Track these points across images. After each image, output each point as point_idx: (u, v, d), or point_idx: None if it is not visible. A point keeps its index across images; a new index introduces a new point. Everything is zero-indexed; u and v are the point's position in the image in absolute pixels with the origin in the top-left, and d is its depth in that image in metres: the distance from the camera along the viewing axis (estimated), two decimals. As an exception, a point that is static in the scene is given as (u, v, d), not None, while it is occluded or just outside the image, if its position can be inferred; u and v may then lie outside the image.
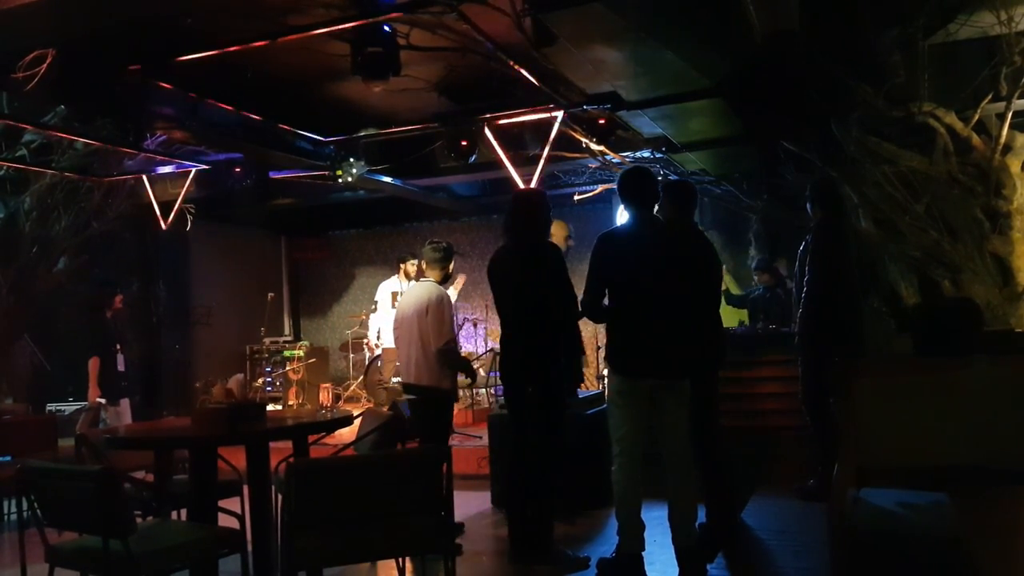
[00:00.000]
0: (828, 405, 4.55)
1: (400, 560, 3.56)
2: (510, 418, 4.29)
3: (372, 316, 9.02)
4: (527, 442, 4.15)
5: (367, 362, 9.27)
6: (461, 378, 4.83)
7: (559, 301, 4.07)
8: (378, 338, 8.77)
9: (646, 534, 3.71)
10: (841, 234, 4.98)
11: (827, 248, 4.89)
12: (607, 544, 4.43)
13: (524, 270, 4.11)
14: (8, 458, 5.70)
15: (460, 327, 9.70)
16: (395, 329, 4.95)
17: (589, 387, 9.33)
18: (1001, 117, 5.17)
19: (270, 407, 5.83)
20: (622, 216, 9.27)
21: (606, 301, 3.77)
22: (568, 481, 5.06)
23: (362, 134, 7.33)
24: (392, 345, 8.42)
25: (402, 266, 8.58)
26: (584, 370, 9.10)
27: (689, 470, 3.71)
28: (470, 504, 5.35)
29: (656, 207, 3.90)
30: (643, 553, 3.68)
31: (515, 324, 4.18)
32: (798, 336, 4.99)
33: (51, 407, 7.93)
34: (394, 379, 8.49)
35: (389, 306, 8.48)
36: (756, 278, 7.57)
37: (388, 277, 8.89)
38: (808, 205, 5.06)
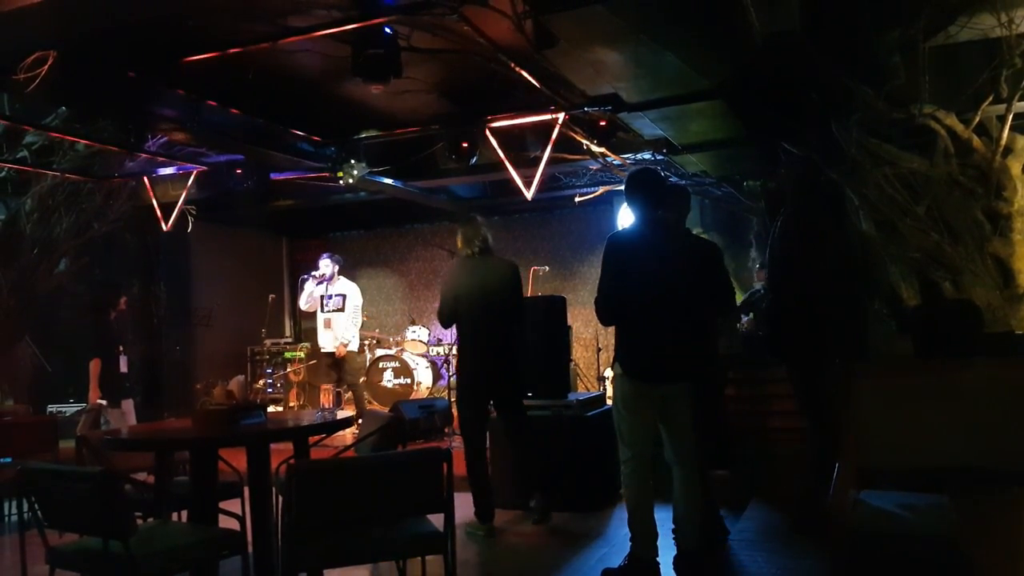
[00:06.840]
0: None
1: (401, 562, 3.55)
2: (470, 416, 4.85)
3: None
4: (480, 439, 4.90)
5: (367, 364, 9.27)
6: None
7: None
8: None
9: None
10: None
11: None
12: (610, 542, 4.44)
13: (494, 280, 4.72)
14: (9, 459, 5.71)
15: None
16: None
17: (590, 388, 9.34)
18: (1001, 119, 5.18)
19: (271, 408, 5.84)
20: (623, 217, 9.34)
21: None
22: (571, 482, 5.10)
23: (363, 136, 7.33)
24: (326, 348, 8.02)
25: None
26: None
27: (695, 471, 3.69)
28: (470, 504, 5.34)
29: (663, 208, 3.82)
30: (658, 559, 3.63)
31: (476, 331, 4.78)
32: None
33: (52, 408, 7.95)
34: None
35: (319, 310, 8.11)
36: (756, 276, 7.58)
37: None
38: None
